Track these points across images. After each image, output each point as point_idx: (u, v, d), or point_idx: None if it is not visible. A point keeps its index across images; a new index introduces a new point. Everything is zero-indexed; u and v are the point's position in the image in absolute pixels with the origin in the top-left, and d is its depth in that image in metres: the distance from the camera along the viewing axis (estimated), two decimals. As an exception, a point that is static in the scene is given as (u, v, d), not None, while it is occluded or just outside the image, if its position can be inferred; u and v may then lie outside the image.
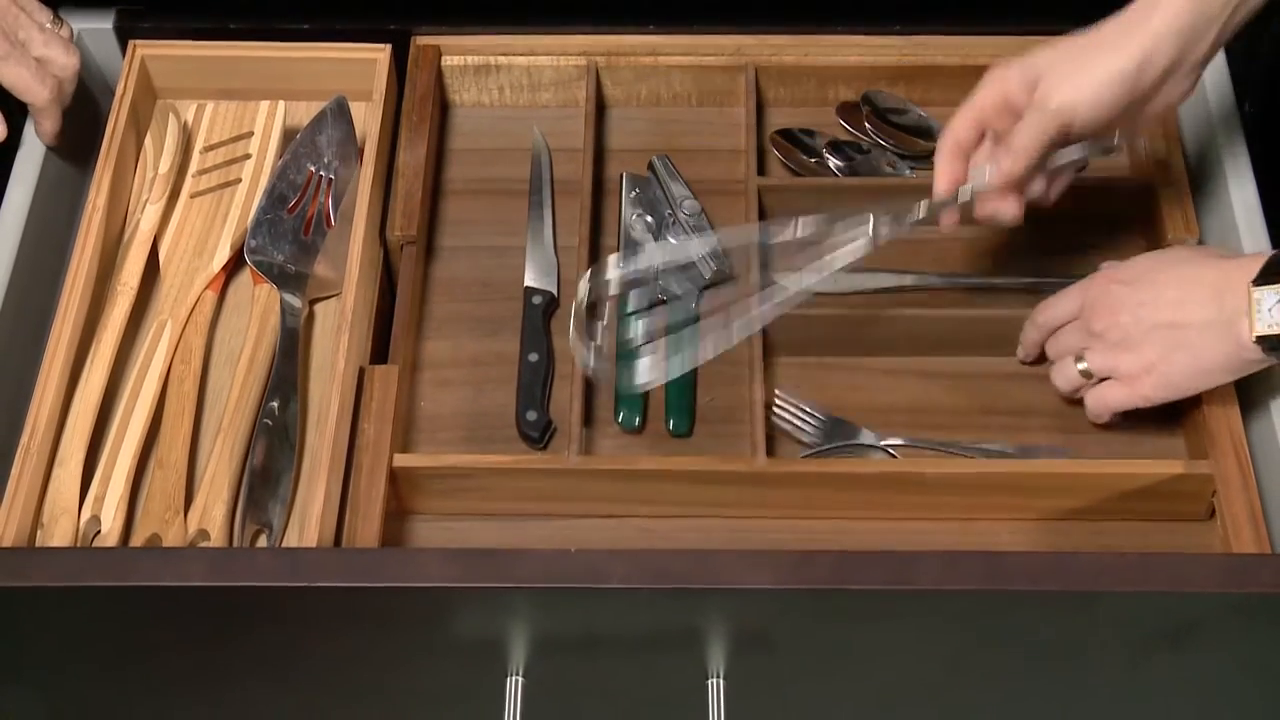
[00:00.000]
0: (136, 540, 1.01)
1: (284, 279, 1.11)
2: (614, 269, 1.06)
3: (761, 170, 1.19)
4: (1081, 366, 1.06)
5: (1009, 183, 1.03)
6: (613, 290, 1.08)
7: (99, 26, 1.22)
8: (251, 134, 1.17)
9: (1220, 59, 1.20)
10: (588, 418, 1.10)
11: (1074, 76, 1.00)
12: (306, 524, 1.00)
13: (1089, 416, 1.08)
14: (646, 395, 1.11)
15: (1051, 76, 1.01)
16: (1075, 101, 1.00)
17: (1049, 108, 1.00)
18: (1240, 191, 1.14)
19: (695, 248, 1.13)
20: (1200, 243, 1.14)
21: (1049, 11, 1.22)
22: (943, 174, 1.06)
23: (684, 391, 1.11)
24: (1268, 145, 1.19)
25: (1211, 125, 1.17)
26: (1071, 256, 1.17)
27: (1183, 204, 1.15)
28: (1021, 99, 1.02)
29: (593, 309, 1.09)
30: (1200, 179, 1.18)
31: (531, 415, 1.09)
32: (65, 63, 1.12)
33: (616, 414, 1.10)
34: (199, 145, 1.17)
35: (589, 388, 1.11)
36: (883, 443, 1.09)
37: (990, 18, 1.22)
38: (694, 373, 1.12)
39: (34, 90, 1.10)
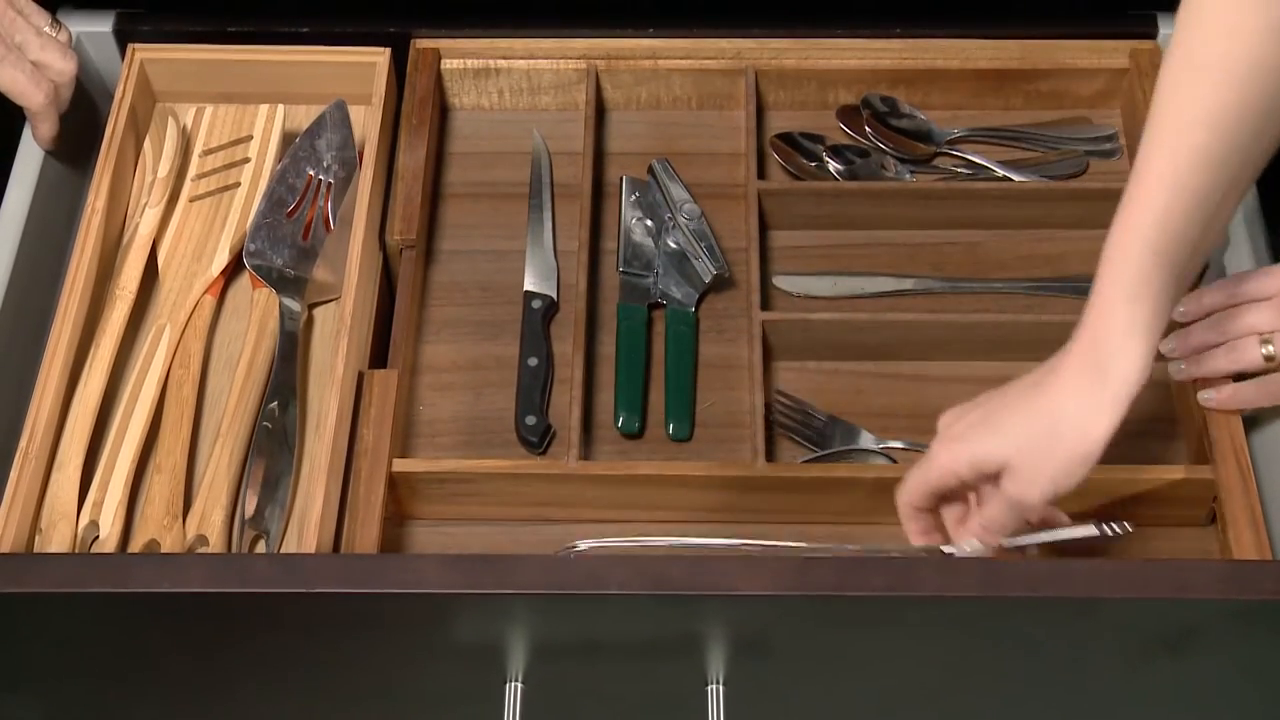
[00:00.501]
0: (135, 545, 1.01)
1: (283, 283, 1.11)
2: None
3: (761, 174, 1.19)
4: (1267, 350, 1.01)
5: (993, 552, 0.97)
6: None
7: (98, 29, 1.22)
8: (250, 138, 1.17)
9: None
10: (587, 423, 1.09)
11: (1044, 471, 0.91)
12: (305, 529, 1.00)
13: (1232, 404, 1.04)
14: (646, 400, 1.11)
15: (1019, 472, 0.92)
16: (1051, 493, 0.92)
17: (1025, 503, 0.93)
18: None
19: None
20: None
21: (1048, 14, 1.22)
22: (914, 533, 0.99)
23: (684, 396, 1.11)
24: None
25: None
26: (1073, 261, 1.17)
27: (1183, 207, 1.14)
28: (977, 482, 0.95)
29: None
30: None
31: (530, 420, 1.09)
32: (62, 67, 1.11)
33: (616, 419, 1.10)
34: (198, 149, 1.17)
35: (588, 392, 1.11)
36: (882, 446, 1.09)
37: (990, 21, 1.21)
38: (694, 377, 1.12)
39: (29, 94, 1.10)
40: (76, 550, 1.00)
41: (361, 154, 1.16)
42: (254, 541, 1.02)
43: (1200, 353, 1.05)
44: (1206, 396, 1.05)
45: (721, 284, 1.16)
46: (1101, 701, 1.01)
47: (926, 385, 1.12)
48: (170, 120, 1.16)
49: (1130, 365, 0.89)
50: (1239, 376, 1.04)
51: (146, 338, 1.09)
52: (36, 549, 1.00)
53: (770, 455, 1.07)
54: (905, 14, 1.22)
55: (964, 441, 0.94)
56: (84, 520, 1.01)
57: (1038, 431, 0.91)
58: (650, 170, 1.21)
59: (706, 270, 1.15)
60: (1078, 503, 1.04)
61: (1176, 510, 1.05)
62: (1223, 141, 0.86)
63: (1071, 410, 0.90)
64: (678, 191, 1.19)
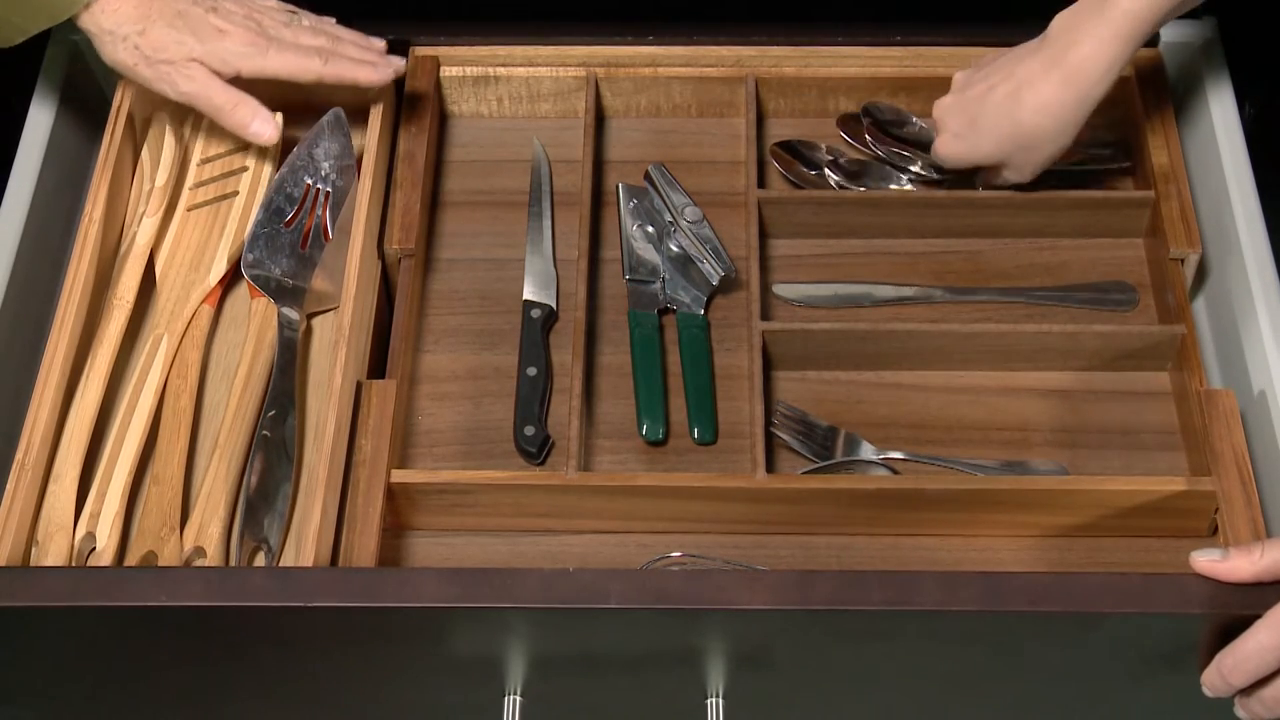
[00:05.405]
0: (132, 557, 1.00)
1: (281, 293, 1.10)
2: None
3: (761, 182, 1.18)
4: None
5: None
6: None
7: (96, 37, 1.21)
8: (249, 146, 1.16)
9: (1220, 61, 1.20)
10: (586, 433, 1.09)
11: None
12: (304, 540, 0.99)
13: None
14: (668, 406, 1.10)
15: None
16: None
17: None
18: (1241, 196, 1.13)
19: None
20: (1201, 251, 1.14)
21: (1050, 23, 1.21)
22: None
23: (705, 400, 1.10)
24: (1268, 147, 1.18)
25: (1211, 128, 1.17)
26: (1075, 270, 1.17)
27: (1184, 212, 1.14)
28: None
29: None
30: (1201, 183, 1.17)
31: (529, 430, 1.09)
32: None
33: (640, 427, 1.09)
34: (196, 158, 1.16)
35: (587, 403, 1.10)
36: (883, 457, 1.08)
37: (991, 29, 1.21)
38: (712, 380, 1.11)
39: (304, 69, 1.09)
40: (73, 562, 1.00)
41: (360, 162, 1.15)
42: (252, 553, 1.02)
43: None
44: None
45: (728, 286, 1.15)
46: (1104, 714, 1.00)
47: (928, 395, 1.11)
48: (168, 129, 1.16)
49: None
50: None
51: (144, 348, 1.09)
52: (33, 561, 0.99)
53: (771, 466, 1.06)
54: (906, 21, 1.21)
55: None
56: (81, 532, 1.01)
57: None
58: (647, 176, 1.20)
59: (714, 272, 1.15)
60: (1078, 516, 1.04)
61: (1178, 521, 1.04)
62: None
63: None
64: (677, 196, 1.18)
